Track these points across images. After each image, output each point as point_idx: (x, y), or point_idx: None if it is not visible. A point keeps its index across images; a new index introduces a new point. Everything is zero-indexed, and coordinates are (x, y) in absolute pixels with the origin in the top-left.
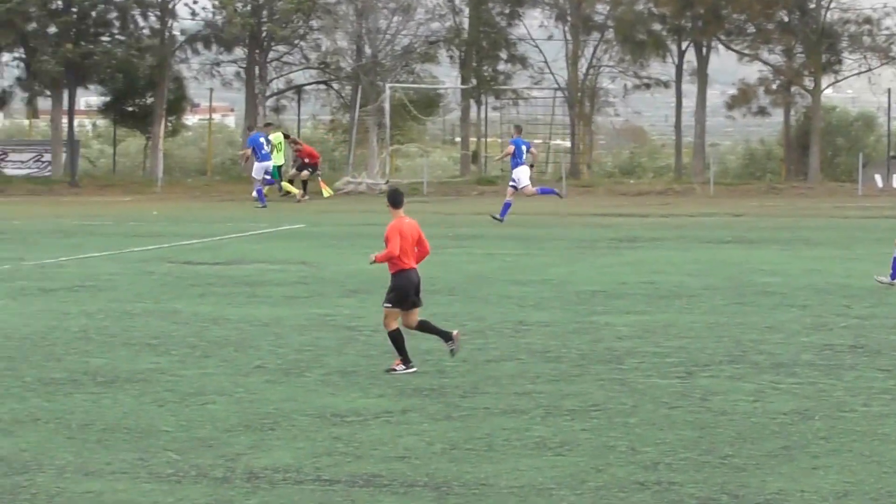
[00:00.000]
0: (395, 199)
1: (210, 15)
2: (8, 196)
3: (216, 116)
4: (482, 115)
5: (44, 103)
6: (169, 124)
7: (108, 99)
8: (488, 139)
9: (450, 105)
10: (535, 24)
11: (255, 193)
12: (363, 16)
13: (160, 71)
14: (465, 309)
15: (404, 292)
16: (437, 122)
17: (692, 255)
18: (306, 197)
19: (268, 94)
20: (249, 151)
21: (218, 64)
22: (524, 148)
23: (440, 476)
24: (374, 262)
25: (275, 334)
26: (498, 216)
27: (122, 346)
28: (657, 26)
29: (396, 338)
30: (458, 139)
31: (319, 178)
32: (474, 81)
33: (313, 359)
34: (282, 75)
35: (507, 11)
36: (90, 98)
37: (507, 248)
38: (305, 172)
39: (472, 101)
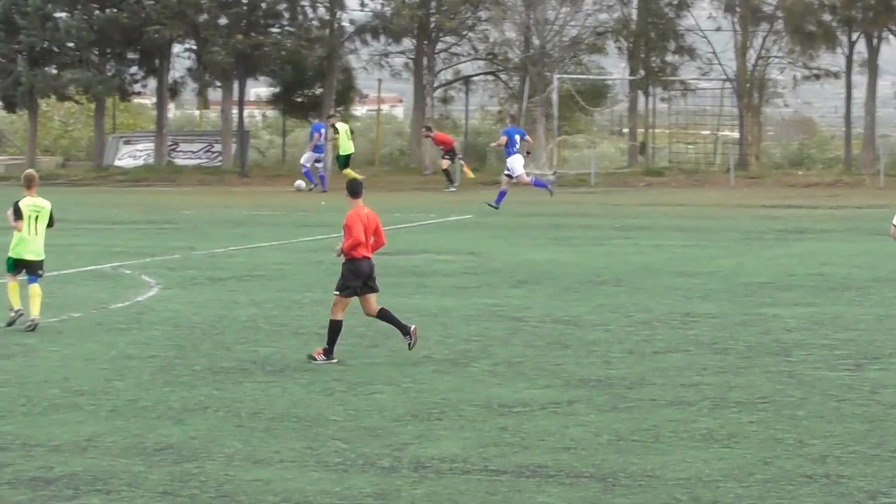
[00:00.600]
0: (354, 189)
1: (379, 6)
2: (178, 186)
3: (384, 107)
4: (650, 106)
5: (214, 94)
6: (338, 115)
7: (277, 90)
8: (656, 130)
9: (617, 96)
10: (703, 15)
11: (303, 179)
12: (531, 6)
13: (329, 62)
14: (632, 300)
15: (350, 279)
16: (604, 112)
17: (861, 247)
18: (453, 186)
19: (436, 84)
20: (319, 138)
21: (386, 55)
22: (517, 137)
23: (606, 467)
24: (341, 254)
25: (442, 324)
26: (493, 203)
27: (290, 336)
28: (827, 17)
29: (335, 328)
30: (625, 130)
31: (462, 163)
32: (642, 72)
33: (480, 349)
34: (450, 66)
35: (675, 2)
36: (260, 89)
37: (674, 239)
38: (445, 161)
39: (639, 92)
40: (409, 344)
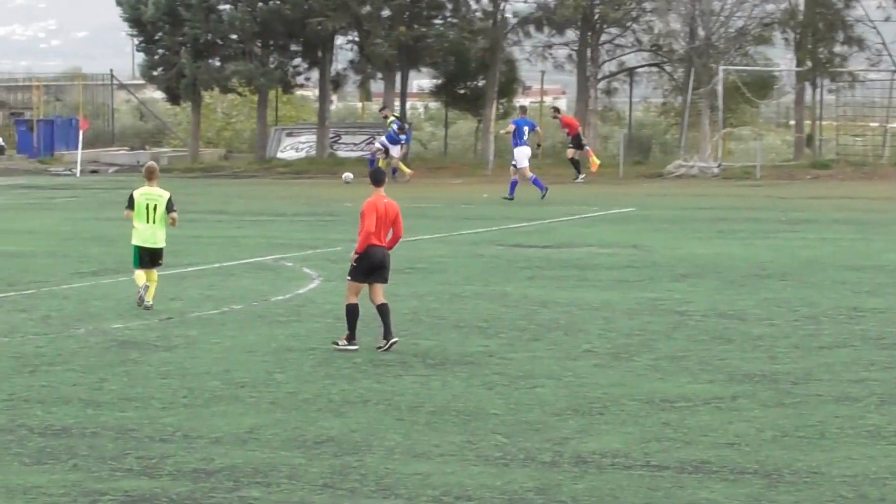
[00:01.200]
0: (375, 177)
1: None
2: (338, 178)
3: (547, 99)
4: (817, 98)
5: (376, 86)
6: (500, 107)
7: (439, 81)
8: (823, 122)
9: (784, 88)
10: (872, 5)
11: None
12: None
13: (492, 53)
14: (798, 294)
15: (361, 266)
16: (770, 104)
17: None
18: (581, 177)
19: (599, 76)
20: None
21: (550, 46)
22: (526, 129)
23: (770, 464)
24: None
25: (604, 318)
26: (507, 196)
27: (451, 329)
28: None
29: (351, 312)
30: (792, 122)
31: (587, 149)
32: (809, 64)
33: (643, 343)
34: (613, 58)
35: None
36: (422, 81)
37: (841, 232)
38: (570, 150)
39: (806, 84)
40: (380, 347)
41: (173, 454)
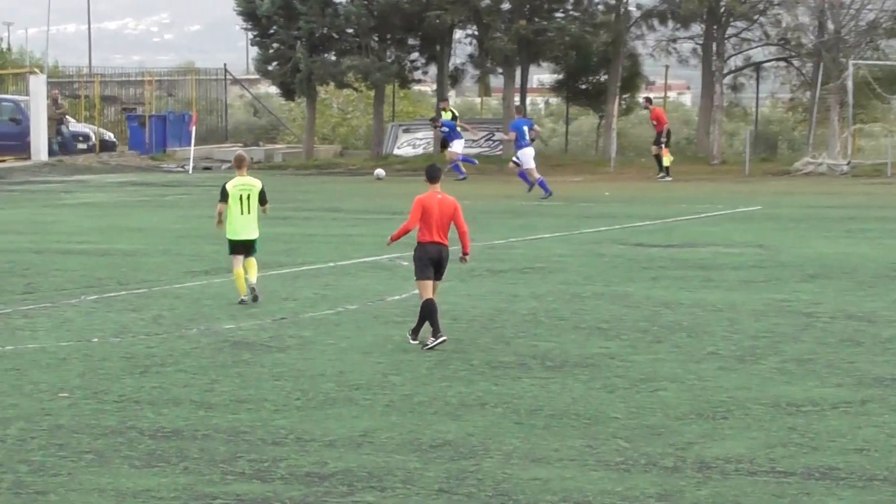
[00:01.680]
0: (430, 173)
1: None
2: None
3: (671, 94)
4: None
5: (495, 81)
6: (623, 102)
7: (560, 76)
8: None
9: None
10: None
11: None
12: None
13: (615, 48)
14: None
15: (420, 263)
16: None
17: None
18: (669, 176)
19: (725, 71)
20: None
21: (674, 40)
22: (526, 128)
23: None
24: (390, 242)
25: (729, 320)
26: (544, 194)
27: (571, 330)
28: None
29: (427, 308)
30: None
31: (663, 148)
32: None
33: (769, 346)
34: (740, 52)
35: None
36: (542, 76)
37: None
38: (655, 147)
39: None
40: (425, 345)
41: (286, 457)
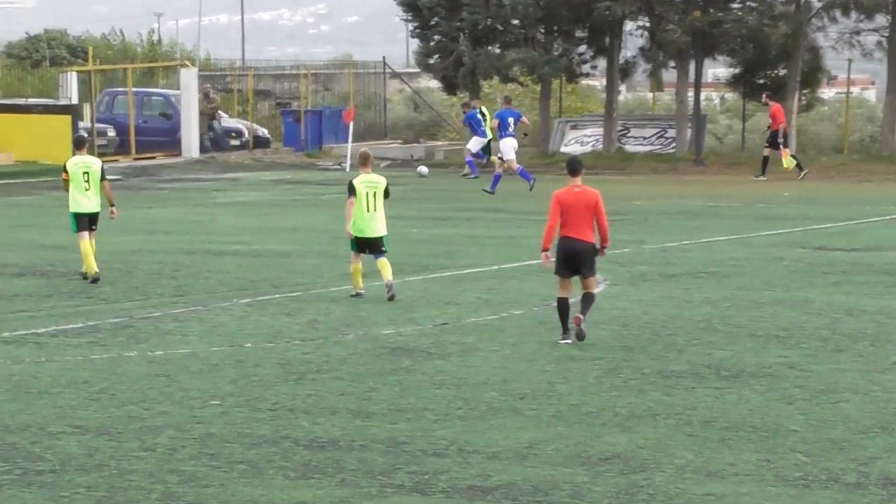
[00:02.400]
0: (571, 166)
1: None
2: (629, 174)
3: (854, 90)
4: None
5: (668, 75)
6: (803, 98)
7: (736, 70)
8: None
9: None
10: None
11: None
12: None
13: (794, 40)
14: None
15: (560, 260)
16: None
17: None
18: (763, 176)
19: None
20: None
21: (857, 32)
22: (511, 120)
23: None
24: (544, 253)
25: None
26: (488, 189)
27: (747, 338)
28: None
29: (559, 307)
30: None
31: (783, 150)
32: None
33: None
34: None
35: None
36: (718, 70)
37: None
38: (767, 149)
39: None
40: (562, 341)
41: (447, 469)
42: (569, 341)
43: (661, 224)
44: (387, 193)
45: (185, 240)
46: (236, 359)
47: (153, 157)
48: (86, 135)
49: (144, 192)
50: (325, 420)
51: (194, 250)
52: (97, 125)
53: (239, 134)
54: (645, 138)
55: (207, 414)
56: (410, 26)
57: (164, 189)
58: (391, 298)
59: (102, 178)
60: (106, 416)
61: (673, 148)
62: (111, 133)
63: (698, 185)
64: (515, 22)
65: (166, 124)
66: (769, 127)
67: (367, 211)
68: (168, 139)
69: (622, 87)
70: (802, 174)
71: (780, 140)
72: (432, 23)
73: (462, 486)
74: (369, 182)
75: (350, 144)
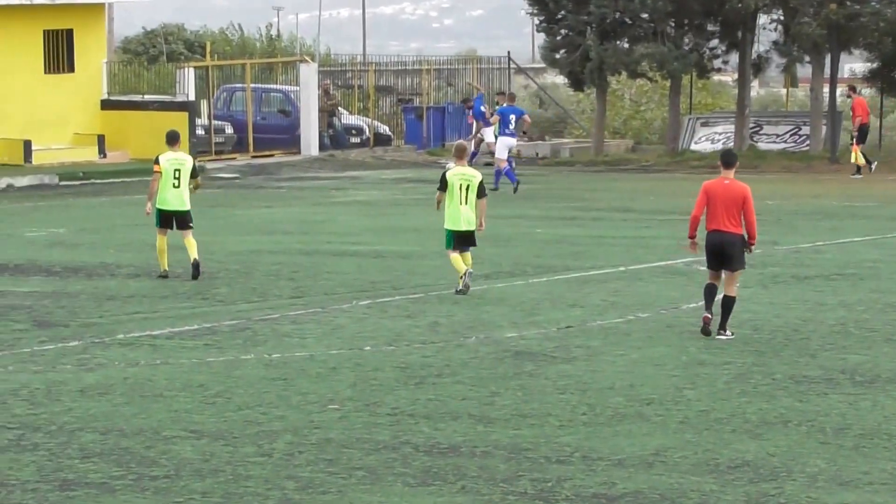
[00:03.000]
0: (724, 158)
1: None
2: (761, 173)
3: None
4: None
5: (803, 70)
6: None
7: (874, 65)
8: None
9: None
10: None
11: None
12: None
13: None
14: None
15: (708, 254)
16: None
17: None
18: (860, 174)
19: None
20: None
21: None
22: (513, 117)
23: None
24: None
25: None
26: (514, 185)
27: (884, 343)
28: None
29: (706, 290)
30: None
31: (854, 146)
32: None
33: None
34: None
35: None
36: (854, 64)
37: None
38: (854, 146)
39: None
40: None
41: (571, 477)
42: (709, 316)
43: (794, 224)
44: (482, 190)
45: (303, 240)
46: (355, 362)
47: (271, 155)
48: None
49: (262, 190)
50: (446, 425)
51: (313, 251)
52: (214, 122)
53: (359, 131)
54: (778, 136)
55: (325, 419)
56: (536, 20)
57: (283, 188)
58: (465, 290)
59: (194, 176)
60: (222, 420)
61: (807, 146)
62: (228, 130)
63: (834, 184)
64: (645, 15)
65: (285, 121)
66: (856, 125)
67: (462, 204)
68: (287, 137)
69: (755, 83)
70: (872, 166)
71: (854, 134)
72: (559, 16)
73: (586, 494)
74: (463, 175)
75: (473, 142)
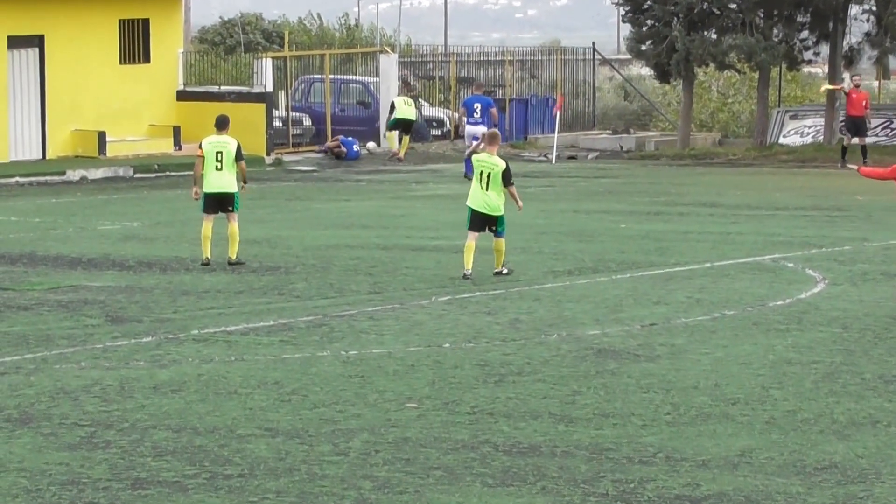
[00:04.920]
0: None
1: None
2: (851, 168)
3: None
4: None
5: (895, 62)
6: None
7: None
8: None
9: None
10: None
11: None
12: None
13: None
14: None
15: None
16: None
17: None
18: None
19: None
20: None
21: None
22: (477, 106)
23: None
24: None
25: None
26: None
27: None
28: None
29: None
30: None
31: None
32: None
33: None
34: None
35: None
36: None
37: None
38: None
39: None
40: None
41: (654, 478)
42: None
43: (885, 220)
44: (505, 179)
45: (382, 234)
46: (434, 359)
47: None
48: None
49: (340, 183)
50: (527, 425)
51: (392, 245)
52: (292, 114)
53: (440, 123)
54: (869, 129)
55: (403, 417)
56: (622, 10)
57: (362, 181)
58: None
59: (238, 159)
60: (297, 418)
61: None
62: (307, 122)
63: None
64: (733, 6)
65: (364, 113)
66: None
67: (483, 189)
68: (366, 129)
69: (846, 75)
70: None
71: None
72: (645, 7)
73: (669, 496)
74: (485, 162)
75: (557, 135)
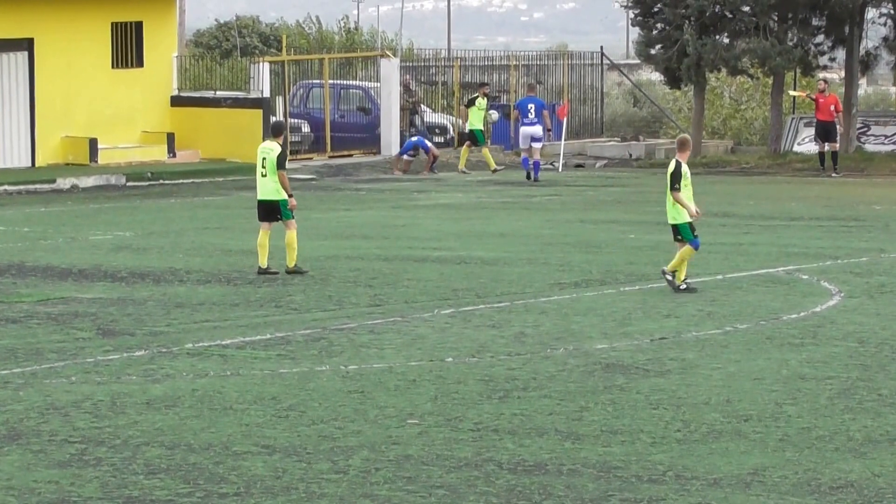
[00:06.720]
0: None
1: None
2: (868, 176)
3: None
4: None
5: None
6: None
7: None
8: None
9: None
10: None
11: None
12: None
13: None
14: None
15: None
16: None
17: None
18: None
19: None
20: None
21: None
22: (531, 106)
23: None
24: None
25: None
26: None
27: None
28: None
29: None
30: None
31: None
32: None
33: None
34: None
35: None
36: None
37: None
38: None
39: None
40: None
41: (664, 497)
42: None
43: None
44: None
45: (383, 245)
46: (436, 374)
47: (350, 155)
48: (282, 121)
49: (340, 192)
50: (532, 442)
51: (393, 256)
52: (290, 120)
53: (443, 130)
54: (887, 137)
55: (404, 434)
56: (631, 14)
57: (362, 190)
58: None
59: (279, 167)
60: (295, 434)
61: None
62: (305, 128)
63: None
64: (746, 9)
65: (365, 120)
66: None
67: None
68: (366, 135)
69: (862, 81)
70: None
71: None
72: (655, 10)
73: None
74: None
75: (563, 142)
